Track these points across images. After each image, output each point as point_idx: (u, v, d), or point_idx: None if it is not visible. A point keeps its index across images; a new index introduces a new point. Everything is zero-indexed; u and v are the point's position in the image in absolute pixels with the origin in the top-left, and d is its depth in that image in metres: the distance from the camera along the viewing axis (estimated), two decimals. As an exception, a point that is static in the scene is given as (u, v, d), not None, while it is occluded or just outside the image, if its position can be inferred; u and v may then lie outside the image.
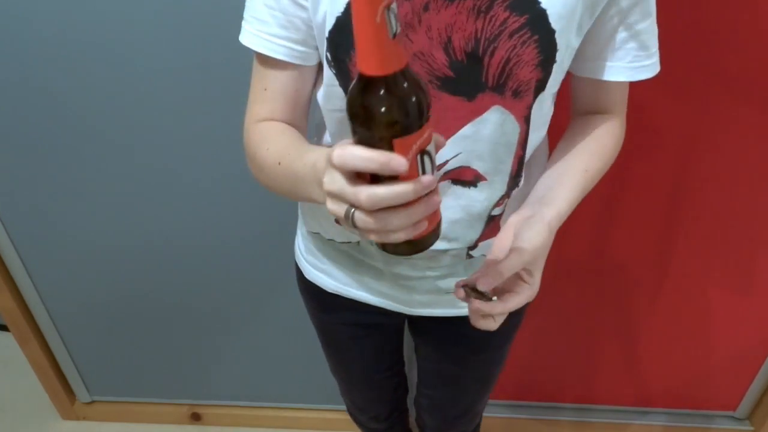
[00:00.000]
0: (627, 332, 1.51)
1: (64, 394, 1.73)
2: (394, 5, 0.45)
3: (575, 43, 0.69)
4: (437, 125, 0.68)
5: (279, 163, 0.69)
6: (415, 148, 0.48)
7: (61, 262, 1.47)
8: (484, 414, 1.68)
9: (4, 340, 1.88)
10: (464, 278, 0.68)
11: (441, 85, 0.67)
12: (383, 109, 0.47)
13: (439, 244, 0.80)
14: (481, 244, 0.82)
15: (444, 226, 0.75)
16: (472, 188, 0.75)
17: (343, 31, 0.66)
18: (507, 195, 0.78)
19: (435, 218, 0.54)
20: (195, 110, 1.20)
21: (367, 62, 0.46)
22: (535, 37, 0.64)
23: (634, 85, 1.11)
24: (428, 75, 0.67)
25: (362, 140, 0.49)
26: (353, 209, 0.51)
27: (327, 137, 0.80)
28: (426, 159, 0.50)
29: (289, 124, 0.75)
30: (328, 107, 0.75)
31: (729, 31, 1.05)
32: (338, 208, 0.52)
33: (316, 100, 0.78)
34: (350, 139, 0.51)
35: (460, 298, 0.66)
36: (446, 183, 0.75)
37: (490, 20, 0.63)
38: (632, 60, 0.72)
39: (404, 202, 0.49)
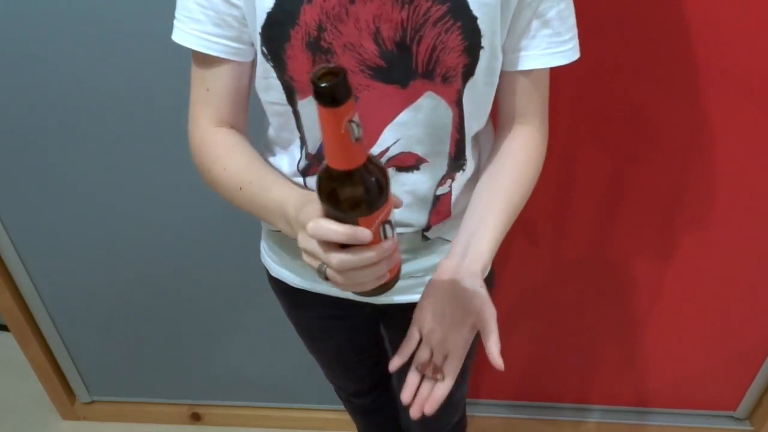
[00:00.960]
0: (627, 332, 1.51)
1: (64, 394, 1.73)
2: (356, 116, 0.52)
3: (500, 29, 0.71)
4: (374, 115, 0.73)
5: (240, 188, 0.75)
6: (377, 222, 0.58)
7: (61, 262, 1.47)
8: (484, 414, 1.69)
9: (4, 340, 1.88)
10: (418, 360, 0.75)
11: (373, 74, 0.70)
12: (349, 197, 0.56)
13: (395, 228, 0.83)
14: (434, 227, 0.85)
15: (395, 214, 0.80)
16: (415, 172, 0.78)
17: (274, 26, 0.69)
18: (450, 176, 0.81)
19: (395, 268, 0.64)
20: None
21: (334, 160, 0.54)
22: (458, 23, 0.67)
23: (633, 86, 1.12)
24: (359, 65, 0.70)
25: (331, 215, 0.57)
26: (325, 266, 0.60)
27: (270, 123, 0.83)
28: (387, 227, 0.60)
29: (232, 124, 0.78)
30: (267, 99, 0.77)
31: (729, 31, 1.05)
32: (312, 262, 0.62)
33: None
34: (319, 207, 0.59)
35: (410, 384, 0.73)
36: (391, 170, 0.78)
37: (414, 10, 0.67)
38: (546, 47, 0.74)
39: (368, 264, 0.59)
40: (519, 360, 1.60)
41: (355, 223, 0.57)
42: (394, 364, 0.74)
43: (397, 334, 1.06)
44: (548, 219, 1.32)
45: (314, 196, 0.61)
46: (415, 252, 0.88)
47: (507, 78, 0.77)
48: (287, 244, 0.92)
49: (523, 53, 0.74)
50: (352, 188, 0.56)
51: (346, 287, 0.61)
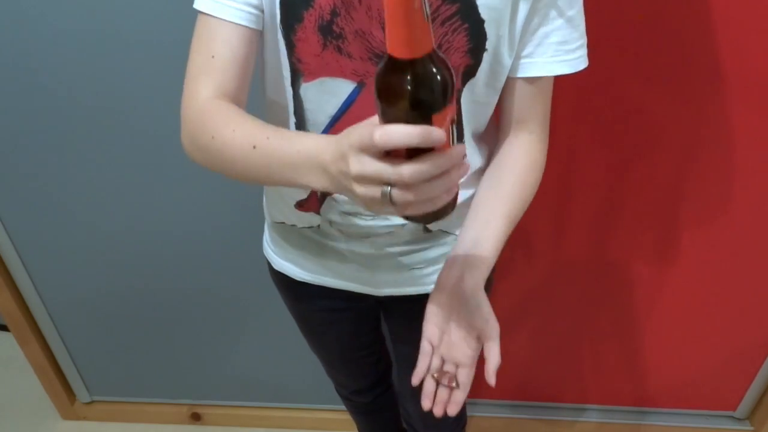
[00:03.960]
0: (627, 332, 1.51)
1: (64, 394, 1.73)
2: None
3: (507, 34, 0.71)
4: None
5: (254, 147, 0.66)
6: (448, 119, 0.51)
7: (61, 262, 1.47)
8: (484, 414, 1.68)
9: (4, 340, 1.88)
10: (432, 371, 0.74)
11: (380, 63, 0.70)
12: (423, 88, 0.49)
13: (396, 219, 0.83)
14: None
15: None
16: None
17: (289, 5, 0.68)
18: None
19: (456, 186, 0.56)
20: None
21: (404, 46, 0.47)
22: (465, 25, 0.68)
23: (633, 86, 1.12)
24: (368, 53, 0.70)
25: (397, 119, 0.50)
26: (389, 188, 0.52)
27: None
28: (454, 128, 0.53)
29: (235, 99, 0.72)
30: (272, 77, 0.76)
31: (730, 32, 1.05)
32: (370, 191, 0.53)
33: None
34: (370, 123, 0.52)
35: (427, 393, 0.73)
36: None
37: None
38: (553, 54, 0.74)
39: (442, 171, 0.51)
40: (519, 360, 1.60)
41: (428, 122, 0.50)
42: (415, 380, 0.74)
43: (399, 325, 1.07)
44: (548, 219, 1.32)
45: (349, 129, 0.56)
46: (416, 244, 0.88)
47: (511, 83, 0.77)
48: (291, 236, 0.92)
49: (529, 60, 0.74)
50: (425, 77, 0.49)
51: (415, 207, 0.53)
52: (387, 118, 0.51)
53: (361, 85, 0.73)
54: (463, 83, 0.73)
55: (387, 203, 0.53)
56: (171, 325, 1.57)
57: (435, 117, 0.50)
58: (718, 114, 1.14)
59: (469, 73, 0.72)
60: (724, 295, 1.41)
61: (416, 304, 0.97)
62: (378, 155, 0.51)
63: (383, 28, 0.67)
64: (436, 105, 0.50)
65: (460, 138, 0.57)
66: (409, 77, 0.49)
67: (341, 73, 0.72)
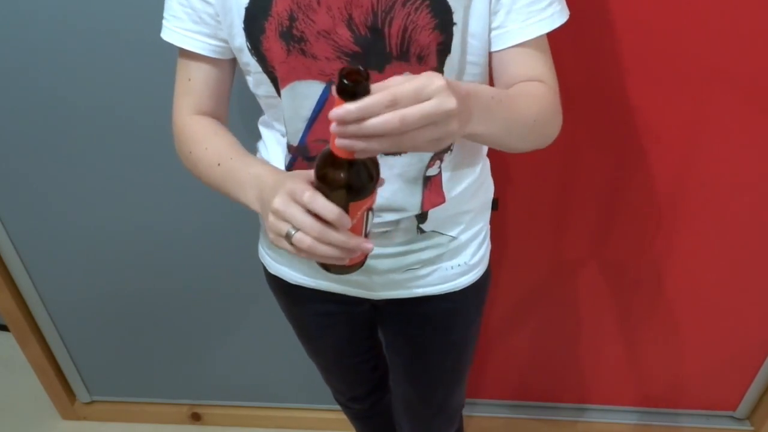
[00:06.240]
0: (627, 332, 1.51)
1: (64, 394, 1.73)
2: None
3: (471, 3, 0.70)
4: None
5: (218, 164, 0.76)
6: (364, 208, 0.63)
7: (61, 262, 1.47)
8: (484, 414, 1.68)
9: (4, 340, 1.88)
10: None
11: (351, 61, 0.72)
12: (346, 184, 0.60)
13: (388, 215, 0.84)
14: (430, 216, 0.85)
15: (387, 197, 0.82)
16: (402, 155, 0.79)
17: (252, 20, 0.71)
18: (438, 157, 0.81)
19: (361, 258, 0.68)
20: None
21: (341, 150, 0.57)
22: (426, 2, 0.69)
23: (633, 86, 1.12)
24: (335, 52, 0.71)
25: (324, 192, 0.61)
26: (294, 231, 0.61)
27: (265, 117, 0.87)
28: (370, 213, 0.65)
29: (213, 114, 0.82)
30: (260, 93, 0.80)
31: (729, 31, 1.05)
32: (279, 225, 0.62)
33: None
34: (308, 182, 0.61)
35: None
36: (378, 155, 0.77)
37: None
38: (526, 17, 0.73)
39: (337, 244, 0.61)
40: (519, 360, 1.60)
41: (346, 205, 0.61)
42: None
43: (394, 334, 1.07)
44: (548, 219, 1.32)
45: (295, 174, 0.65)
46: (411, 244, 0.88)
47: (500, 57, 0.76)
48: None
49: (502, 30, 0.73)
50: (351, 176, 0.60)
51: (307, 253, 0.62)
52: (316, 185, 0.62)
53: (330, 84, 0.73)
54: (440, 62, 0.72)
55: (288, 240, 0.62)
56: (171, 325, 1.57)
57: (353, 204, 0.61)
58: (719, 113, 1.14)
59: (444, 50, 0.72)
60: (724, 295, 1.41)
61: (412, 309, 0.97)
62: (303, 207, 0.61)
63: (348, 26, 0.70)
64: (355, 197, 0.61)
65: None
66: (342, 173, 0.60)
67: (309, 75, 0.73)
